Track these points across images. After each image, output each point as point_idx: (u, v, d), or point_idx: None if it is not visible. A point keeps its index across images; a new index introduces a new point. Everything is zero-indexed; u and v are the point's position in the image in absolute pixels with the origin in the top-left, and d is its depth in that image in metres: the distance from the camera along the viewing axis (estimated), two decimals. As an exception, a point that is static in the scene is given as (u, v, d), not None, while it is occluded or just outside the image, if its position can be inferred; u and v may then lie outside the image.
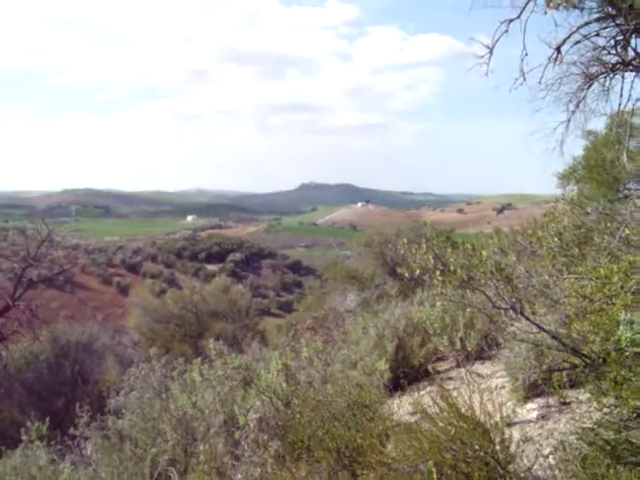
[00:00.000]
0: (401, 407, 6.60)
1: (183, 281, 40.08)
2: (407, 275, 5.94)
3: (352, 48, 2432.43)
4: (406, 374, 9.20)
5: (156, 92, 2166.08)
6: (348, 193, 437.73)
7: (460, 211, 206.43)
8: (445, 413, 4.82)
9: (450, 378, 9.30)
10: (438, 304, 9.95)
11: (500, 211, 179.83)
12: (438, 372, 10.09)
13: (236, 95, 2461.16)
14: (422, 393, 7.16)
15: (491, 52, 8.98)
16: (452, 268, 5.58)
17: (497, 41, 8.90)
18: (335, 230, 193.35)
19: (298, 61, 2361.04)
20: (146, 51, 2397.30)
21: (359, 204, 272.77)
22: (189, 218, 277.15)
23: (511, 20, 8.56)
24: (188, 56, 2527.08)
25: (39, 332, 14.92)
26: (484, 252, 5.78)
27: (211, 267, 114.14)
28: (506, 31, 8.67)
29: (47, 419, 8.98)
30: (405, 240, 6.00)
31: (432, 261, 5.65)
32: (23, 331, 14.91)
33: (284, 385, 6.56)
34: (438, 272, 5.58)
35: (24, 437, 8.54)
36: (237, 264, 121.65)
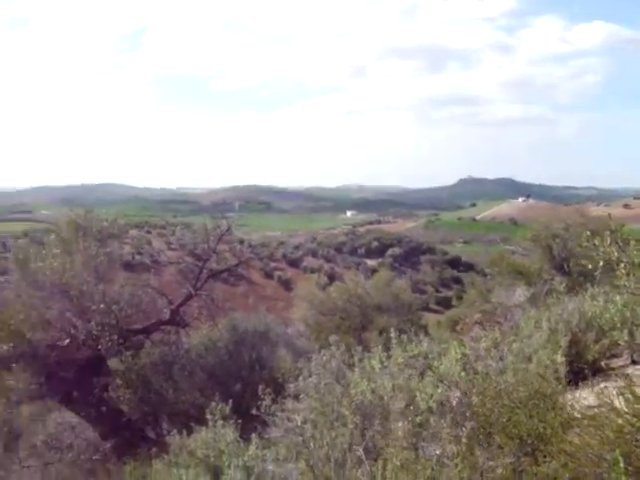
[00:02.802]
0: (577, 400, 6.59)
1: (346, 275, 40.47)
2: (590, 267, 5.96)
3: (512, 39, 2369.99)
4: (580, 369, 9.12)
5: (317, 89, 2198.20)
6: (507, 187, 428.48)
7: (626, 206, 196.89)
8: (631, 404, 4.85)
9: (626, 375, 9.10)
10: (617, 297, 9.77)
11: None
12: (612, 369, 9.91)
13: (396, 90, 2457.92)
14: (601, 387, 7.10)
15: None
16: (636, 261, 5.56)
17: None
18: (495, 225, 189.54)
19: (457, 54, 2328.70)
20: (307, 49, 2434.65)
21: (520, 199, 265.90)
22: (348, 213, 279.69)
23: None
24: (349, 53, 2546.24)
25: (218, 320, 15.74)
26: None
27: (370, 262, 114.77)
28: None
29: (230, 401, 9.54)
30: (588, 232, 6.01)
31: (616, 253, 5.65)
32: (202, 319, 15.75)
33: (462, 374, 6.71)
34: (622, 264, 5.58)
35: (209, 416, 9.11)
36: (396, 259, 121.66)
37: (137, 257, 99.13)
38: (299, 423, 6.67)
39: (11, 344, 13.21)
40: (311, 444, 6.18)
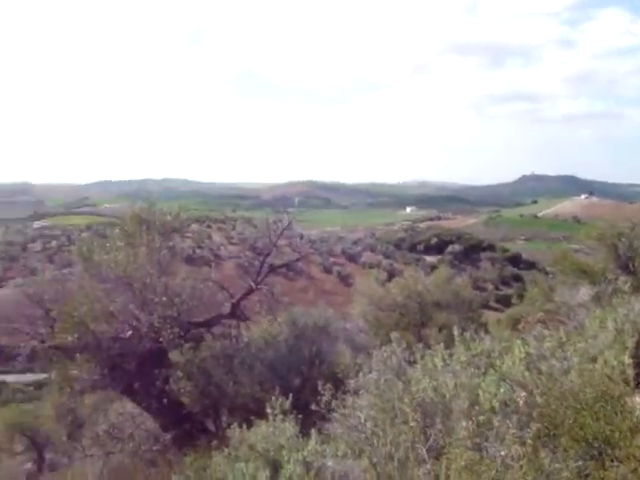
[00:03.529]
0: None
1: (405, 271, 40.33)
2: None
3: (575, 33, 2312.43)
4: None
5: (377, 85, 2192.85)
6: (570, 185, 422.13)
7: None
8: None
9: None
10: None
11: None
12: (680, 372, 9.66)
13: (457, 86, 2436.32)
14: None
15: None
16: None
17: None
18: (558, 223, 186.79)
19: (519, 50, 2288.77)
20: (368, 45, 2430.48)
21: (582, 196, 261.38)
22: (408, 209, 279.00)
23: None
24: (409, 49, 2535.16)
25: (277, 315, 15.82)
26: None
27: (429, 258, 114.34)
28: None
29: (290, 395, 9.56)
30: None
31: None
32: (262, 313, 15.84)
33: (526, 374, 6.60)
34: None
35: (269, 410, 9.14)
36: (456, 256, 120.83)
37: (197, 251, 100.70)
38: (362, 420, 6.65)
39: (75, 335, 13.47)
40: (374, 441, 6.16)
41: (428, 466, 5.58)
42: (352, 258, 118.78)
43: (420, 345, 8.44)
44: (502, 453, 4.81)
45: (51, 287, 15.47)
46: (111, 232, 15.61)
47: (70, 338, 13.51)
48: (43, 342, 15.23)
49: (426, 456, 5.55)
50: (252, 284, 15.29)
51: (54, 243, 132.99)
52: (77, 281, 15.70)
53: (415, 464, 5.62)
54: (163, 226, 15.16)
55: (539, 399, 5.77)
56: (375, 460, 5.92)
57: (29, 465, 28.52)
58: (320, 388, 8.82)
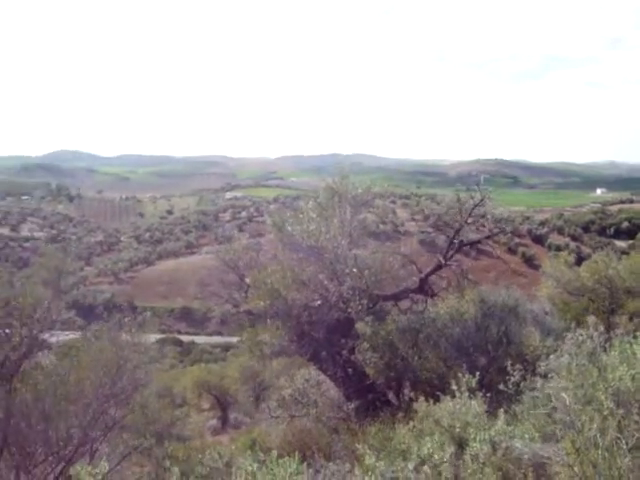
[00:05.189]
0: None
1: (593, 255, 38.90)
2: None
3: None
4: None
5: (568, 61, 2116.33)
6: None
7: None
8: None
9: None
10: None
11: None
12: None
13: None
14: None
15: None
16: None
17: None
18: None
19: None
20: (561, 19, 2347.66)
21: None
22: (598, 191, 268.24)
23: None
24: (603, 23, 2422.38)
25: (465, 292, 15.66)
26: None
27: (619, 243, 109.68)
28: None
29: (477, 374, 9.51)
30: None
31: None
32: (449, 290, 15.75)
33: None
34: None
35: (454, 387, 9.14)
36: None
37: (381, 226, 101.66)
38: (567, 403, 6.53)
39: (267, 301, 13.98)
40: (579, 426, 6.03)
41: (626, 458, 5.41)
42: (538, 239, 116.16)
43: (618, 331, 8.15)
44: None
45: (246, 254, 16.10)
46: (304, 204, 15.93)
47: (262, 304, 14.03)
48: (236, 306, 15.96)
49: (626, 447, 5.38)
50: (442, 260, 15.21)
51: (244, 213, 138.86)
52: (270, 250, 16.23)
53: (621, 454, 5.45)
54: (354, 199, 15.34)
55: None
56: (579, 445, 5.79)
57: (214, 421, 30.29)
58: (510, 368, 8.75)
